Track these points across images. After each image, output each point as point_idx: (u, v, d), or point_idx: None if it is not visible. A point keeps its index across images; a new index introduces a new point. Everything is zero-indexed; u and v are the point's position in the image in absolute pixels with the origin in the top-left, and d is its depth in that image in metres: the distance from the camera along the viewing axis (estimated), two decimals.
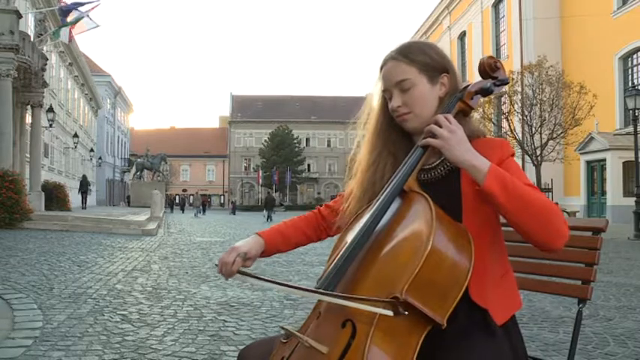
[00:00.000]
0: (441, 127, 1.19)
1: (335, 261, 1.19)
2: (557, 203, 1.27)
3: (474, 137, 1.26)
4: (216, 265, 1.37)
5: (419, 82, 1.30)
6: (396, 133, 1.36)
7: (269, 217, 27.74)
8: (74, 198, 25.10)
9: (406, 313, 1.05)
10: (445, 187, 1.27)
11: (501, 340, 1.19)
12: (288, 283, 1.20)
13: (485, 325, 1.18)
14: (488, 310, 1.19)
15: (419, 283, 1.06)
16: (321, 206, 1.57)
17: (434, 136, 1.20)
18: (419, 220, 1.15)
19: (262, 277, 1.25)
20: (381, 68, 1.35)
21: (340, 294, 1.12)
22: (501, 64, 1.32)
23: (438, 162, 1.31)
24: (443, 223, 1.14)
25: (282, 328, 1.22)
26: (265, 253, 1.43)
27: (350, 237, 1.23)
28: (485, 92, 1.29)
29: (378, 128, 1.38)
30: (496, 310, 1.20)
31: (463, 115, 1.29)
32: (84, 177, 28.57)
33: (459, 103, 1.28)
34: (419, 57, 1.30)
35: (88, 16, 17.49)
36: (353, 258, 1.17)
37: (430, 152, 1.26)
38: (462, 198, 1.24)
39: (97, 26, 18.01)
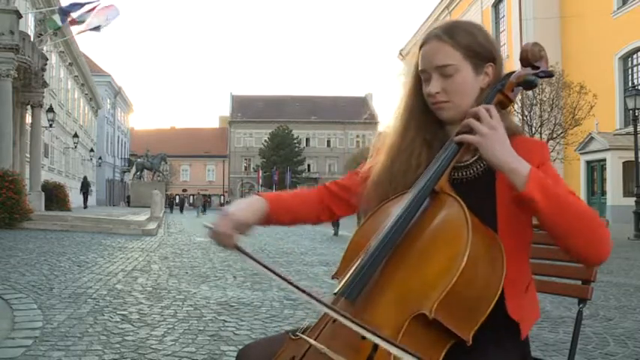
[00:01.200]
0: (480, 121, 1.07)
1: (359, 265, 1.07)
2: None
3: (510, 135, 1.11)
4: (205, 226, 1.16)
5: (463, 69, 1.16)
6: (431, 119, 1.22)
7: None
8: (75, 198, 26.17)
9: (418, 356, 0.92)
10: (479, 188, 1.17)
11: (518, 352, 1.14)
12: (288, 278, 1.09)
13: (510, 338, 1.12)
14: (520, 324, 1.11)
15: (450, 300, 0.97)
16: (328, 184, 1.38)
17: (471, 131, 1.08)
18: (452, 229, 1.04)
19: (263, 262, 1.10)
20: (422, 46, 1.21)
21: (350, 317, 0.98)
22: (545, 53, 1.16)
23: (472, 160, 1.19)
24: (478, 235, 1.02)
25: (295, 334, 1.11)
26: (263, 222, 1.24)
27: (375, 236, 1.10)
28: (528, 85, 1.15)
29: (411, 110, 1.24)
30: (525, 322, 1.13)
31: (501, 108, 1.15)
32: (85, 178, 30.32)
33: (498, 94, 1.15)
34: (467, 41, 1.17)
35: (99, 18, 17.41)
36: (379, 263, 1.06)
37: (465, 148, 1.14)
38: (497, 203, 1.13)
39: (98, 27, 18.00)
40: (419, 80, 1.23)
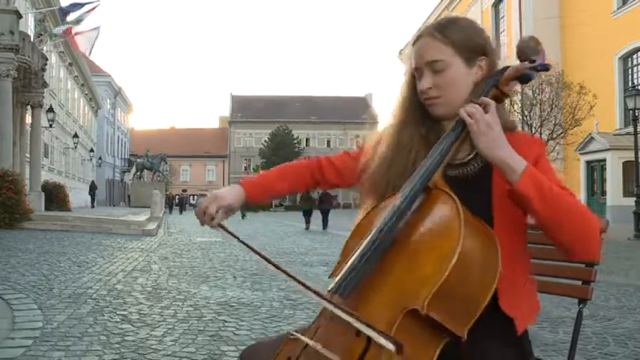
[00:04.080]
0: (477, 116, 1.07)
1: (352, 262, 1.09)
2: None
3: (506, 130, 1.12)
4: (193, 206, 1.32)
5: (454, 63, 1.17)
6: (427, 115, 1.23)
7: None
8: (75, 198, 27.97)
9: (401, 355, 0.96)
10: (476, 185, 1.17)
11: (515, 349, 1.14)
12: (266, 256, 1.17)
13: (505, 333, 1.13)
14: (515, 320, 1.12)
15: (442, 296, 0.97)
16: (321, 157, 1.46)
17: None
18: (444, 225, 1.04)
19: (240, 238, 1.23)
20: (414, 43, 1.22)
21: (343, 307, 1.01)
22: (542, 47, 1.15)
23: (469, 157, 1.20)
24: (471, 230, 1.02)
25: (291, 333, 1.13)
26: (248, 203, 1.39)
27: (370, 233, 1.10)
28: (524, 79, 1.14)
29: (407, 107, 1.25)
30: (520, 318, 1.14)
31: (496, 102, 1.15)
32: (92, 182, 35.95)
33: (493, 89, 1.16)
34: (457, 35, 1.18)
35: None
36: (372, 260, 1.07)
37: (460, 146, 1.15)
38: (493, 198, 1.15)
39: (98, 27, 18.02)
40: (413, 78, 1.24)
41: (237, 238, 1.22)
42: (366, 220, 1.21)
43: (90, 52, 18.52)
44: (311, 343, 1.05)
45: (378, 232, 1.08)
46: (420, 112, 1.24)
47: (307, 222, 18.17)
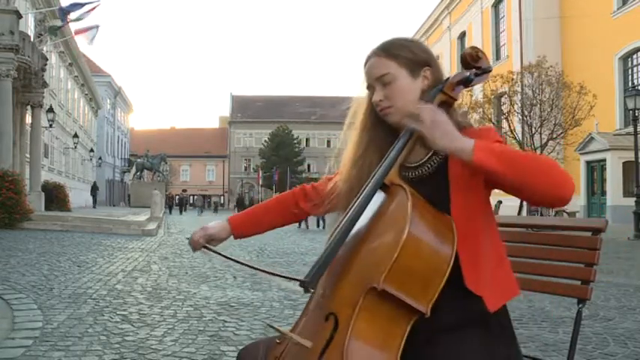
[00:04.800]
0: (421, 116, 1.18)
1: (320, 257, 1.21)
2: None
3: (460, 128, 1.23)
4: (187, 238, 1.54)
5: (399, 75, 1.30)
6: (383, 130, 1.36)
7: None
8: (76, 198, 28.43)
9: (312, 291, 1.17)
10: (434, 182, 1.27)
11: (493, 331, 1.19)
12: (242, 261, 1.39)
13: (479, 314, 1.18)
14: (483, 297, 1.19)
15: (397, 272, 1.07)
16: (307, 184, 1.61)
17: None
18: (397, 210, 1.15)
19: (222, 253, 1.47)
20: (365, 65, 1.36)
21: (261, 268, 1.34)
22: (484, 53, 1.31)
23: (425, 159, 1.31)
24: (419, 210, 1.14)
25: (270, 326, 1.28)
26: (235, 237, 1.54)
27: (335, 233, 1.25)
28: (466, 82, 1.28)
29: (365, 124, 1.39)
30: (490, 297, 1.20)
31: (447, 106, 1.28)
32: (94, 183, 37.51)
33: (440, 94, 1.28)
34: (400, 51, 1.31)
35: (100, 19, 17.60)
36: (334, 253, 1.19)
37: (416, 148, 1.27)
38: (450, 184, 1.24)
39: (97, 27, 18.03)
40: (369, 96, 1.37)
41: (220, 254, 1.47)
42: (340, 219, 1.33)
43: (92, 40, 18.39)
44: (287, 333, 1.16)
45: (342, 226, 1.21)
46: (377, 127, 1.37)
47: (302, 220, 18.50)
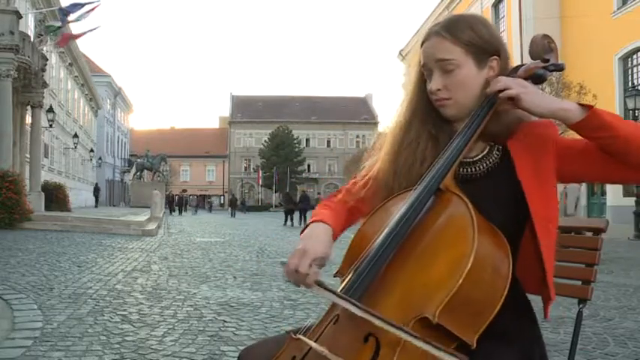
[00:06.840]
0: (504, 82, 1.07)
1: (362, 265, 1.05)
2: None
3: (524, 121, 1.15)
4: (282, 262, 1.19)
5: (464, 64, 1.14)
6: (436, 114, 1.20)
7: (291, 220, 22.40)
8: (82, 198, 30.67)
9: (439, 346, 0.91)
10: (487, 185, 1.15)
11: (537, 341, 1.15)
12: (388, 320, 0.96)
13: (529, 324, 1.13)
14: (550, 302, 1.16)
15: (454, 304, 0.94)
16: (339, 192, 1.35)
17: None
18: (457, 230, 1.01)
19: (340, 294, 1.02)
20: (423, 43, 1.19)
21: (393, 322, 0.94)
22: (555, 45, 1.14)
23: (481, 156, 1.17)
24: (484, 235, 0.99)
25: (295, 335, 1.06)
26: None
27: (378, 233, 1.07)
28: (537, 79, 1.12)
29: (415, 106, 1.22)
30: (549, 304, 1.17)
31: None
32: (96, 184, 38.32)
33: None
34: (467, 34, 1.14)
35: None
36: (382, 263, 1.03)
37: (474, 144, 1.13)
38: (523, 185, 1.11)
39: (98, 27, 18.02)
40: (422, 77, 1.22)
41: (337, 295, 1.01)
42: (373, 219, 1.17)
43: (81, 17, 18.10)
44: (316, 347, 1.00)
45: (389, 233, 1.05)
46: (428, 111, 1.21)
47: (287, 219, 21.14)
